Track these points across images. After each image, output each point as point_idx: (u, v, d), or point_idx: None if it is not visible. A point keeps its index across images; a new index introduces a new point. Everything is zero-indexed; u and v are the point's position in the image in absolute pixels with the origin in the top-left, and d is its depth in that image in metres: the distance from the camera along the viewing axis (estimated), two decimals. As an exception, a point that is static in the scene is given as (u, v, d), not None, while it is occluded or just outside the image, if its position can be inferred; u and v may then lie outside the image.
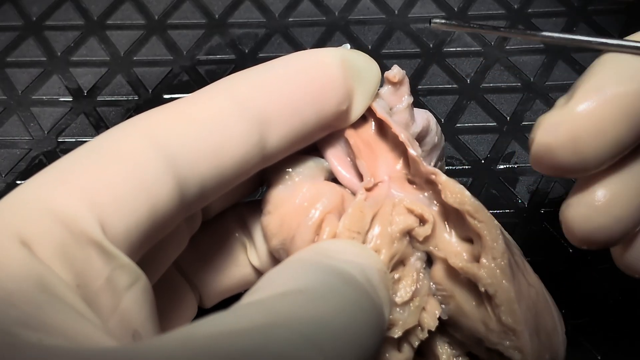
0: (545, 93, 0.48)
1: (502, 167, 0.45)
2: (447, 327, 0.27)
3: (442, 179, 0.25)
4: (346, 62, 0.25)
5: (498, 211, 0.42)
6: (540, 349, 0.26)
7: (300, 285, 0.20)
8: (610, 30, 0.51)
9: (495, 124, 0.47)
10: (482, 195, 0.43)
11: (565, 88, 0.47)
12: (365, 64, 0.26)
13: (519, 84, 0.49)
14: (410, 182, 0.27)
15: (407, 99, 0.27)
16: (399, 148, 0.27)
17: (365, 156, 0.26)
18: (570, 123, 0.24)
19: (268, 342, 0.17)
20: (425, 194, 0.26)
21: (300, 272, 0.21)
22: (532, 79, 0.49)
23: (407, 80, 0.28)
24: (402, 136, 0.26)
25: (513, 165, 0.45)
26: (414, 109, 0.28)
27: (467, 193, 0.25)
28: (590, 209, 0.25)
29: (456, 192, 0.25)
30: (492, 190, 0.43)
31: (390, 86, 0.27)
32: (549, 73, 0.49)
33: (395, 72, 0.27)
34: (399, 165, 0.27)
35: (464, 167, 0.45)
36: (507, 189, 0.43)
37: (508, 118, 0.47)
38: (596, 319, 0.38)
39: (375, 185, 0.26)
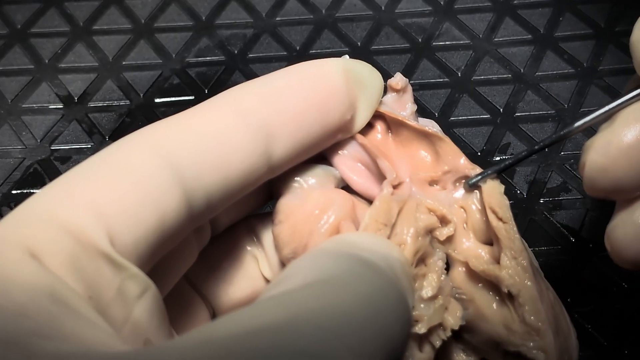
0: (536, 84, 0.48)
1: (498, 158, 0.45)
2: (462, 333, 0.27)
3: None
4: (349, 72, 0.25)
5: (497, 203, 0.43)
6: (561, 350, 0.26)
7: (324, 275, 0.20)
8: (596, 19, 0.52)
9: (488, 116, 0.47)
10: (480, 187, 0.43)
11: (555, 78, 0.48)
12: (367, 73, 0.26)
13: (510, 76, 0.49)
14: (432, 183, 0.27)
15: (410, 106, 0.27)
16: (410, 151, 0.27)
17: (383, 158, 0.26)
18: (621, 140, 0.24)
19: (291, 339, 0.16)
20: (445, 193, 0.26)
21: (324, 261, 0.21)
22: (522, 70, 0.49)
23: (410, 87, 0.28)
24: (431, 128, 0.26)
25: (509, 157, 0.45)
26: (419, 118, 0.28)
27: (499, 188, 0.25)
28: (637, 228, 0.25)
29: (492, 187, 0.25)
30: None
31: (393, 93, 0.27)
32: (539, 64, 0.50)
33: (398, 79, 0.27)
34: (416, 166, 0.27)
35: (461, 160, 0.45)
36: (505, 180, 0.44)
37: (501, 110, 0.47)
38: (601, 306, 0.38)
39: (399, 184, 0.26)
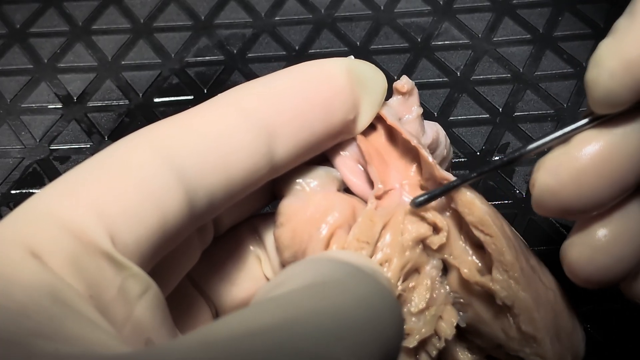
0: (535, 83, 0.48)
1: (497, 158, 0.45)
2: (466, 334, 0.27)
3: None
4: (352, 72, 0.25)
5: (496, 202, 0.43)
6: (562, 352, 0.26)
7: (322, 277, 0.20)
8: (595, 19, 0.52)
9: (488, 115, 0.47)
10: (480, 187, 0.43)
11: (554, 78, 0.48)
12: (371, 74, 0.26)
13: (509, 75, 0.49)
14: (423, 188, 0.26)
15: (416, 109, 0.27)
16: (410, 154, 0.27)
17: (377, 163, 0.26)
18: (572, 165, 0.24)
19: (290, 339, 0.16)
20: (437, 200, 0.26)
21: (321, 265, 0.21)
22: (521, 69, 0.49)
23: (416, 90, 0.28)
24: (415, 141, 0.26)
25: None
26: (425, 121, 0.28)
27: (478, 203, 0.25)
28: (592, 250, 0.25)
29: (466, 202, 0.25)
30: (489, 181, 0.44)
31: (399, 96, 0.27)
32: (538, 63, 0.50)
33: (404, 82, 0.27)
34: (412, 171, 0.27)
35: (460, 159, 0.45)
36: (504, 180, 0.44)
37: (500, 109, 0.47)
38: (601, 306, 0.38)
39: (387, 192, 0.26)
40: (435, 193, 0.25)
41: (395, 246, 0.25)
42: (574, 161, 0.24)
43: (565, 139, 0.25)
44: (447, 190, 0.25)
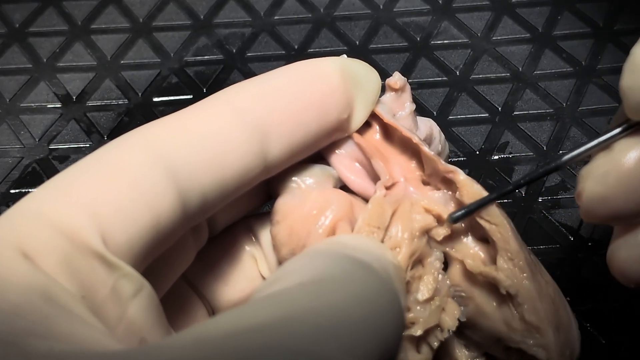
0: (535, 82, 0.48)
1: (496, 157, 0.45)
2: (464, 329, 0.27)
3: (460, 177, 0.25)
4: (346, 71, 0.25)
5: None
6: (562, 345, 0.26)
7: (319, 275, 0.20)
8: (594, 18, 0.52)
9: (487, 114, 0.47)
10: (479, 186, 0.43)
11: (553, 77, 0.48)
12: (364, 73, 0.26)
13: (508, 74, 0.49)
14: (425, 183, 0.27)
15: (409, 105, 0.27)
16: (409, 151, 0.27)
17: (379, 159, 0.26)
18: (619, 171, 0.24)
19: (283, 338, 0.16)
20: (440, 193, 0.26)
21: (319, 261, 0.21)
22: (520, 68, 0.49)
23: (408, 87, 0.28)
24: (415, 139, 0.26)
25: (508, 155, 0.45)
26: (418, 117, 0.28)
27: (485, 194, 0.25)
28: None
29: (473, 193, 0.25)
30: (489, 180, 0.44)
31: (392, 93, 0.27)
32: (537, 62, 0.50)
33: (397, 78, 0.27)
34: (412, 166, 0.27)
35: (459, 159, 0.45)
36: (504, 179, 0.44)
37: (499, 108, 0.47)
38: (600, 304, 0.38)
39: (394, 184, 0.26)
40: (472, 208, 0.25)
41: (404, 233, 0.25)
42: (621, 167, 0.24)
43: (602, 147, 0.25)
44: (483, 204, 0.25)
